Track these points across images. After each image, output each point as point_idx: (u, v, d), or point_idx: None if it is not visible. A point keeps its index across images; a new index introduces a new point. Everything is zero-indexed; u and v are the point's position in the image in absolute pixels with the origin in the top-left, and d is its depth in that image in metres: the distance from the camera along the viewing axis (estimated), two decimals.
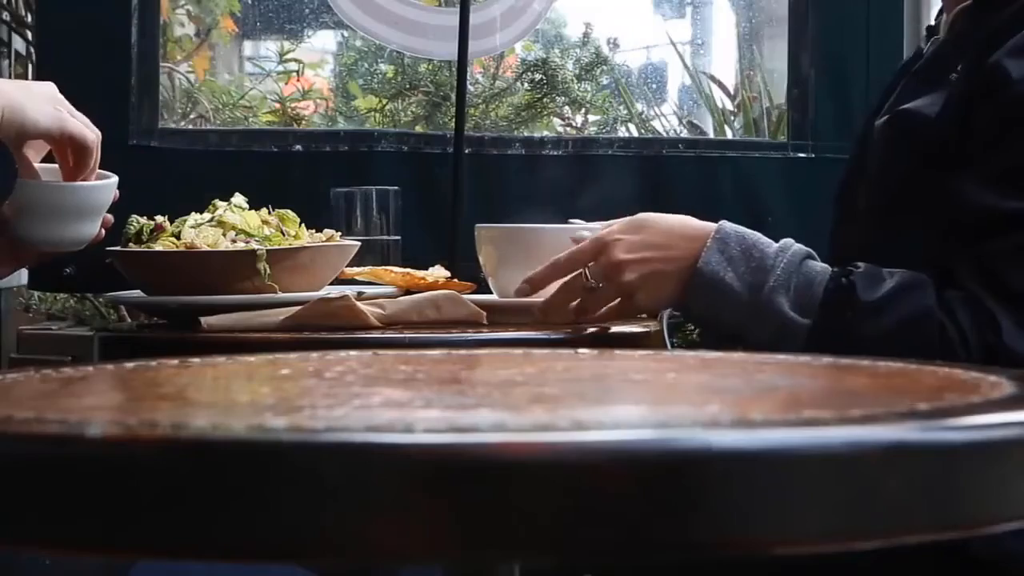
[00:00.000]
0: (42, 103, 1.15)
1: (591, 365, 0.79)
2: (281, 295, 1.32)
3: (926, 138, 1.13)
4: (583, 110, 2.92)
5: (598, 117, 2.95)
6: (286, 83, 2.97)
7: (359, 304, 1.27)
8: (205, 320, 1.28)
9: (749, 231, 1.16)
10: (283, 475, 0.41)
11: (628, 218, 1.19)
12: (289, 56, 2.98)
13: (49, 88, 1.19)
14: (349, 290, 1.36)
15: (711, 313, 1.16)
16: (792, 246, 1.14)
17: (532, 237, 1.39)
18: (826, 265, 1.13)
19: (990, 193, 1.07)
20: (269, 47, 3.17)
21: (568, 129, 2.89)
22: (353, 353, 0.83)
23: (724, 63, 3.15)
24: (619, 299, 1.20)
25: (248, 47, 3.49)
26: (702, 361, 0.82)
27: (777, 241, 1.15)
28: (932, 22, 1.32)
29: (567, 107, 2.89)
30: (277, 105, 2.86)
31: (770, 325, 1.10)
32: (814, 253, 1.14)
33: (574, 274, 1.21)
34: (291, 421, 0.49)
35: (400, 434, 0.43)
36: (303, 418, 0.51)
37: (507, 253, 1.42)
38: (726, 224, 1.16)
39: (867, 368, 0.71)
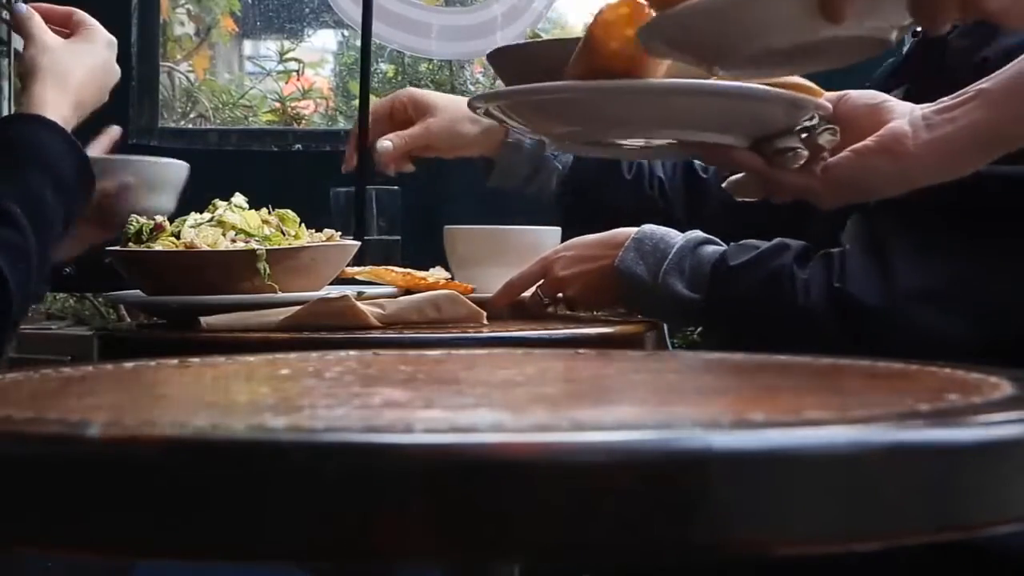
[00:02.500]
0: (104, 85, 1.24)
1: (591, 365, 0.79)
2: (281, 295, 1.32)
3: None
4: None
5: None
6: (286, 82, 2.97)
7: (359, 304, 1.27)
8: (205, 320, 1.28)
9: (671, 231, 1.25)
10: (283, 475, 0.41)
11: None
12: (289, 55, 2.98)
13: (100, 66, 1.26)
14: (349, 290, 1.36)
15: (634, 305, 1.30)
16: (692, 234, 1.23)
17: (498, 238, 1.52)
18: (722, 245, 1.22)
19: None
20: (269, 46, 3.17)
21: None
22: (353, 353, 0.83)
23: None
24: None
25: (248, 46, 3.49)
26: (702, 361, 0.82)
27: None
28: None
29: None
30: (277, 104, 2.87)
31: (670, 305, 1.21)
32: (714, 239, 1.23)
33: (530, 293, 1.35)
34: (291, 421, 0.49)
35: (400, 434, 0.43)
36: (303, 418, 0.51)
37: (473, 253, 1.53)
38: (648, 227, 1.26)
39: (867, 368, 0.71)
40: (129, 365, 0.76)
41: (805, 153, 1.00)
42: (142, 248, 1.37)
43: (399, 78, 2.88)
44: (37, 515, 0.43)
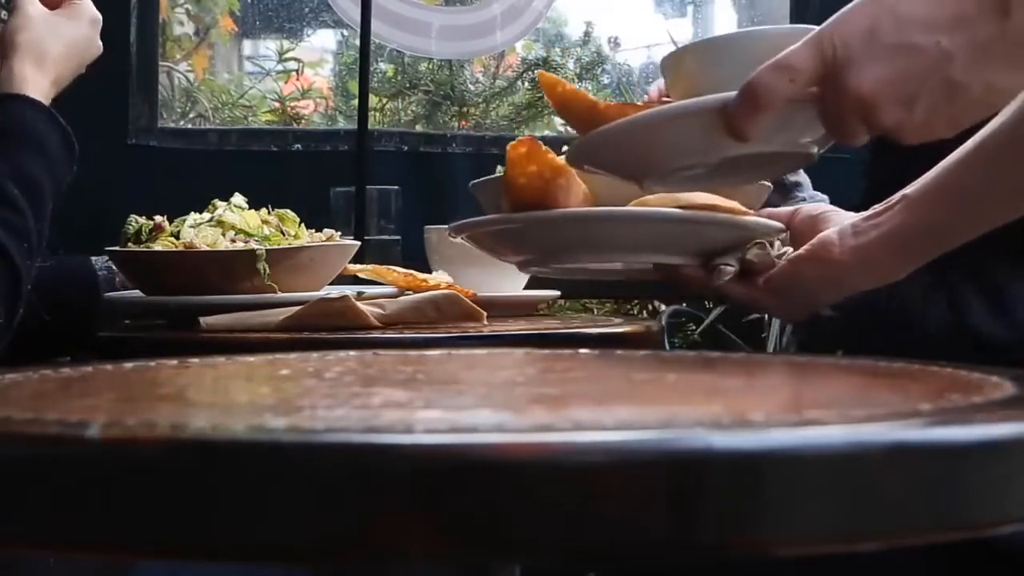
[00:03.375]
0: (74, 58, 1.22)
1: (591, 365, 0.78)
2: (281, 295, 1.32)
3: None
4: None
5: None
6: (285, 82, 2.97)
7: (359, 304, 1.27)
8: (204, 320, 1.28)
9: None
10: (283, 475, 0.41)
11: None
12: (288, 55, 2.98)
13: (80, 36, 1.24)
14: (349, 290, 1.36)
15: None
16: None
17: None
18: None
19: None
20: (268, 46, 3.17)
21: (569, 128, 2.89)
22: (353, 353, 0.83)
23: None
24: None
25: (247, 46, 3.49)
26: (703, 361, 0.82)
27: None
28: None
29: None
30: (276, 104, 2.87)
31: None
32: None
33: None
34: (291, 421, 0.49)
35: (400, 434, 0.43)
36: (303, 418, 0.51)
37: (455, 253, 1.52)
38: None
39: (868, 368, 0.71)
40: (129, 365, 0.76)
41: (732, 268, 1.03)
42: (142, 248, 1.37)
43: (399, 78, 2.88)
44: (37, 515, 0.43)
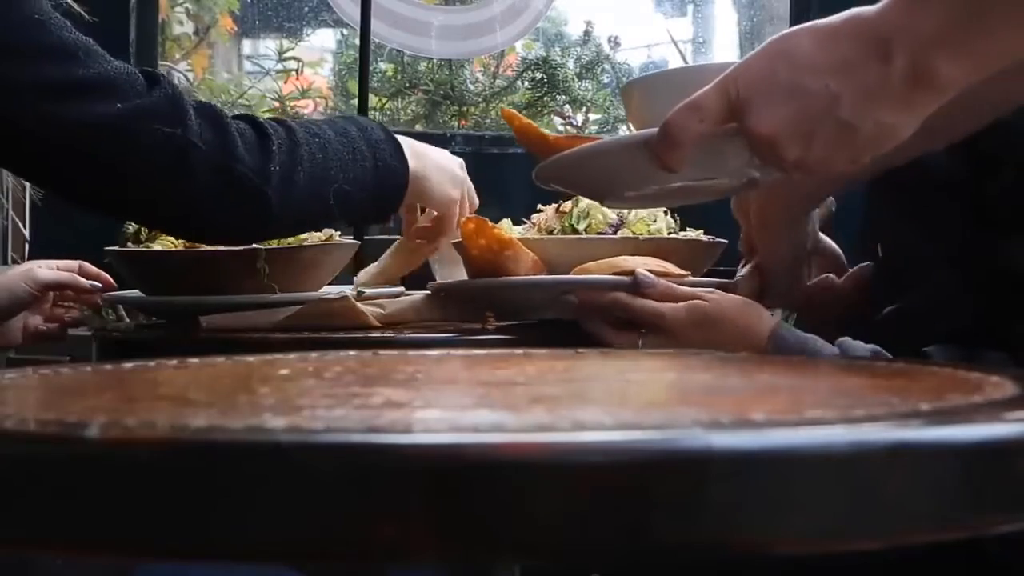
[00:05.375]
0: (445, 180, 1.36)
1: (591, 365, 0.78)
2: (281, 295, 1.32)
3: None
4: (584, 108, 2.92)
5: (599, 116, 2.95)
6: (285, 81, 2.97)
7: (359, 304, 1.27)
8: (205, 319, 1.28)
9: (804, 334, 1.16)
10: (283, 475, 0.41)
11: (694, 305, 1.19)
12: (288, 55, 2.98)
13: (454, 164, 1.38)
14: (348, 290, 1.36)
15: None
16: (854, 347, 1.11)
17: None
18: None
19: None
20: (268, 45, 3.17)
21: (569, 128, 2.89)
22: (353, 353, 0.83)
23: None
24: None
25: (247, 45, 3.49)
26: (703, 361, 0.82)
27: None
28: None
29: (568, 106, 2.89)
30: (276, 104, 2.87)
31: None
32: (880, 349, 1.11)
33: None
34: (290, 421, 0.49)
35: (400, 434, 0.43)
36: (302, 418, 0.51)
37: (450, 254, 1.52)
38: (782, 330, 1.17)
39: (868, 368, 0.71)
40: (129, 365, 0.76)
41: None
42: (141, 248, 1.37)
43: (398, 77, 2.88)
44: (37, 515, 0.43)
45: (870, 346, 1.11)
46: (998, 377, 0.60)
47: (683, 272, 1.25)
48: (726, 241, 1.35)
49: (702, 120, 0.78)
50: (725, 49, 3.14)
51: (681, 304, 1.19)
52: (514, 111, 1.11)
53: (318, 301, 1.28)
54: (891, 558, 0.95)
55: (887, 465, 0.43)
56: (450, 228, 1.38)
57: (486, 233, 1.26)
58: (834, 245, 1.33)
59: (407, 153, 1.30)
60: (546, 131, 1.05)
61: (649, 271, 1.21)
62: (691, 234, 1.35)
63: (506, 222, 1.36)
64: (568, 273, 1.26)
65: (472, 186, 1.41)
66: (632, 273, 1.21)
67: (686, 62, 2.89)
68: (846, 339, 1.13)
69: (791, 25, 2.23)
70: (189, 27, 3.12)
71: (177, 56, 3.07)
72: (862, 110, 0.73)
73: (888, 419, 0.47)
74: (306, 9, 3.07)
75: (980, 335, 1.08)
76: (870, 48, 0.72)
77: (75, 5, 1.37)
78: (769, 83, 0.75)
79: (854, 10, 0.74)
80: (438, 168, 1.35)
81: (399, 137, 1.31)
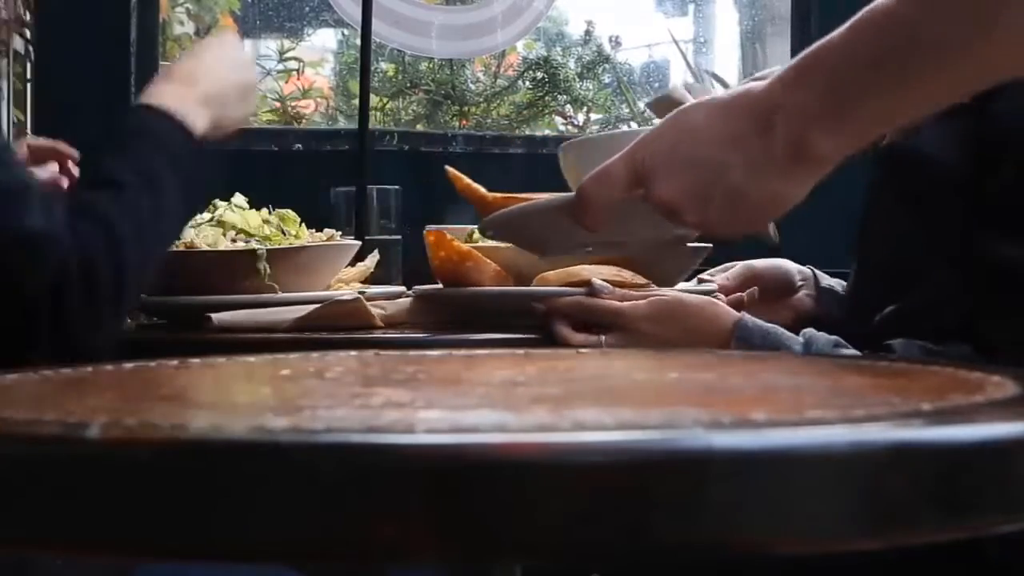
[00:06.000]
0: (237, 102, 1.29)
1: (592, 365, 0.78)
2: (281, 295, 1.32)
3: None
4: (585, 109, 2.92)
5: (600, 116, 2.95)
6: (286, 82, 2.96)
7: (367, 306, 1.28)
8: (215, 317, 1.28)
9: (769, 325, 1.17)
10: (283, 476, 0.41)
11: (654, 300, 1.21)
12: (289, 55, 2.98)
13: (238, 74, 1.30)
14: (353, 292, 1.36)
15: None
16: (817, 338, 1.13)
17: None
18: (855, 352, 1.11)
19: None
20: (269, 46, 3.17)
21: (570, 128, 2.89)
22: (354, 353, 0.83)
23: (726, 61, 3.15)
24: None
25: (248, 46, 3.49)
26: (703, 361, 0.82)
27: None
28: None
29: (569, 106, 2.89)
30: (277, 104, 2.86)
31: None
32: (842, 341, 1.13)
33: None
34: (292, 422, 0.49)
35: (401, 435, 0.43)
36: (304, 419, 0.51)
37: None
38: (746, 319, 1.18)
39: (868, 368, 0.71)
40: (129, 365, 0.76)
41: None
42: None
43: (399, 77, 2.88)
44: (37, 515, 0.43)
45: (833, 337, 1.12)
46: (999, 377, 0.60)
47: (643, 281, 1.27)
48: (710, 245, 1.36)
49: (611, 187, 0.84)
50: (726, 49, 3.14)
51: (642, 301, 1.20)
52: (456, 172, 1.25)
53: (332, 302, 1.29)
54: (891, 558, 0.95)
55: (887, 465, 0.43)
56: None
57: (445, 245, 1.32)
58: (780, 266, 1.43)
59: (197, 122, 1.22)
60: (483, 191, 1.21)
61: (606, 280, 1.23)
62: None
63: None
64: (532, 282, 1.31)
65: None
66: (581, 283, 1.24)
67: (687, 62, 2.89)
68: (809, 330, 1.14)
69: (792, 25, 2.23)
70: (190, 27, 3.12)
71: (178, 56, 3.07)
72: (751, 180, 0.78)
73: (889, 419, 0.47)
74: (307, 9, 3.07)
75: (968, 331, 1.09)
76: (756, 123, 0.78)
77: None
78: (669, 155, 0.82)
79: (747, 84, 0.81)
80: (223, 103, 1.27)
81: (186, 100, 1.23)
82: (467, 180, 1.23)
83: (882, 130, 0.84)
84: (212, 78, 1.27)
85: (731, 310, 1.19)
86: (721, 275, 1.48)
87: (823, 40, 0.75)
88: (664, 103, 1.10)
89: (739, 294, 1.36)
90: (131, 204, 1.13)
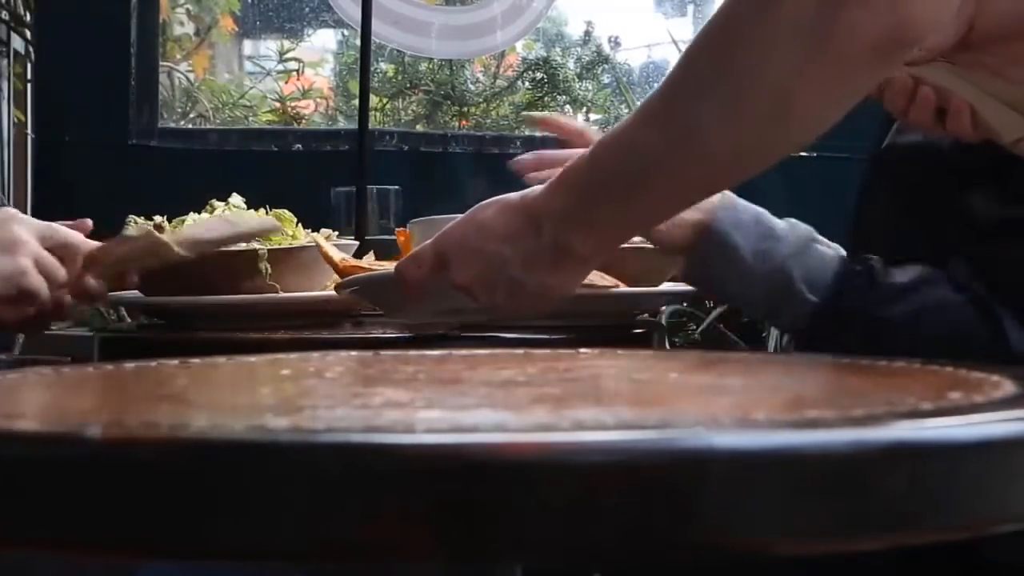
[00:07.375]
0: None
1: (592, 365, 0.78)
2: (281, 295, 1.32)
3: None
4: (584, 109, 2.92)
5: (599, 116, 2.95)
6: (286, 82, 2.97)
7: (161, 237, 1.23)
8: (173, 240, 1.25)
9: (756, 208, 1.13)
10: (283, 476, 0.41)
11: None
12: (289, 55, 2.98)
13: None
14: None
15: (715, 273, 1.13)
16: (799, 224, 1.13)
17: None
18: (836, 247, 1.12)
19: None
20: (269, 46, 3.17)
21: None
22: (354, 353, 0.83)
23: None
24: None
25: (248, 46, 3.49)
26: (704, 361, 0.82)
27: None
28: None
29: (568, 106, 2.89)
30: (277, 104, 2.87)
31: (775, 296, 1.08)
32: (817, 235, 1.12)
33: None
34: (292, 422, 0.49)
35: (401, 434, 0.43)
36: (304, 419, 0.51)
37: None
38: (721, 213, 1.12)
39: (868, 367, 0.71)
40: (129, 365, 0.76)
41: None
42: None
43: (399, 77, 2.88)
44: (37, 515, 0.43)
45: (808, 228, 1.13)
46: (998, 376, 0.60)
47: (611, 282, 1.27)
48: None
49: (419, 268, 0.95)
50: None
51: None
52: (320, 239, 1.31)
53: (122, 239, 1.24)
54: (891, 558, 0.95)
55: (888, 465, 0.43)
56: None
57: (408, 249, 1.34)
58: None
59: None
60: (336, 257, 1.26)
61: (590, 284, 1.20)
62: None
63: None
64: None
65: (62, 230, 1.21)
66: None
67: None
68: (791, 220, 1.14)
69: None
70: (190, 27, 3.12)
71: (178, 57, 3.07)
72: (526, 272, 0.88)
73: (888, 419, 0.47)
74: (307, 9, 3.07)
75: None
76: (530, 223, 0.87)
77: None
78: (463, 245, 0.92)
79: (532, 188, 0.90)
80: None
81: None
82: (325, 250, 1.26)
83: (634, 233, 0.98)
84: None
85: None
86: None
87: (583, 152, 0.85)
88: None
89: None
90: None
